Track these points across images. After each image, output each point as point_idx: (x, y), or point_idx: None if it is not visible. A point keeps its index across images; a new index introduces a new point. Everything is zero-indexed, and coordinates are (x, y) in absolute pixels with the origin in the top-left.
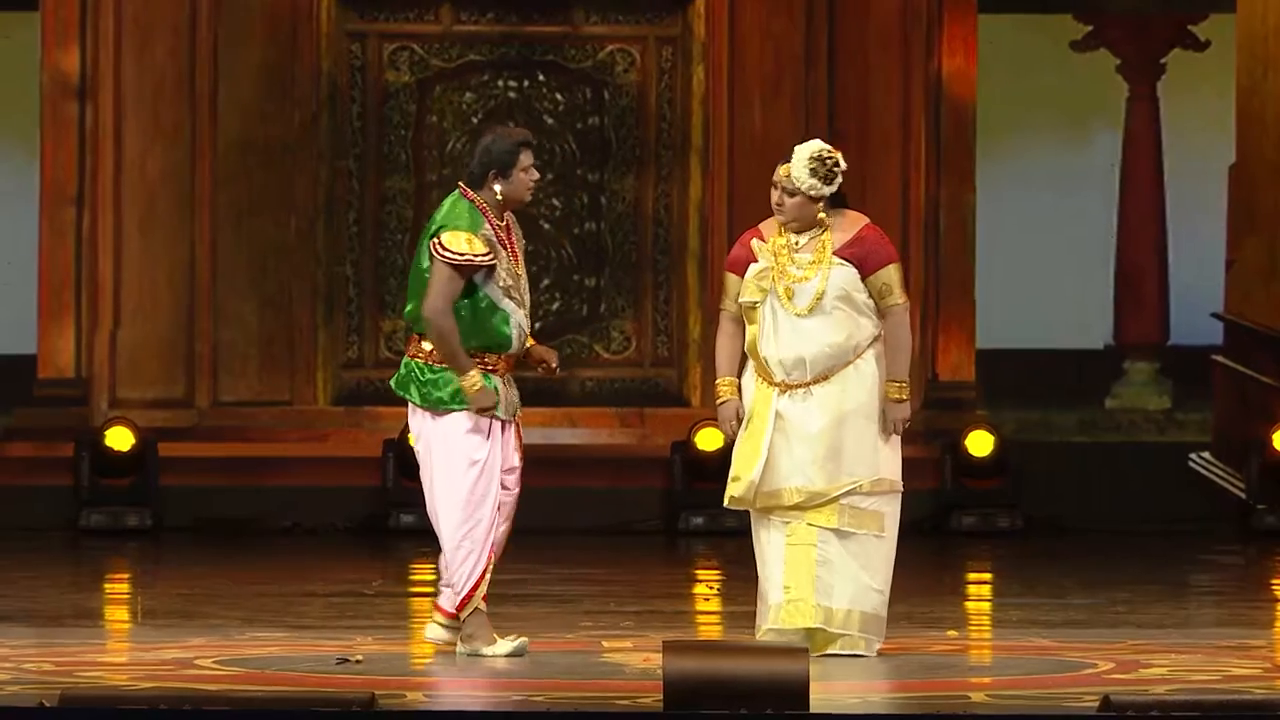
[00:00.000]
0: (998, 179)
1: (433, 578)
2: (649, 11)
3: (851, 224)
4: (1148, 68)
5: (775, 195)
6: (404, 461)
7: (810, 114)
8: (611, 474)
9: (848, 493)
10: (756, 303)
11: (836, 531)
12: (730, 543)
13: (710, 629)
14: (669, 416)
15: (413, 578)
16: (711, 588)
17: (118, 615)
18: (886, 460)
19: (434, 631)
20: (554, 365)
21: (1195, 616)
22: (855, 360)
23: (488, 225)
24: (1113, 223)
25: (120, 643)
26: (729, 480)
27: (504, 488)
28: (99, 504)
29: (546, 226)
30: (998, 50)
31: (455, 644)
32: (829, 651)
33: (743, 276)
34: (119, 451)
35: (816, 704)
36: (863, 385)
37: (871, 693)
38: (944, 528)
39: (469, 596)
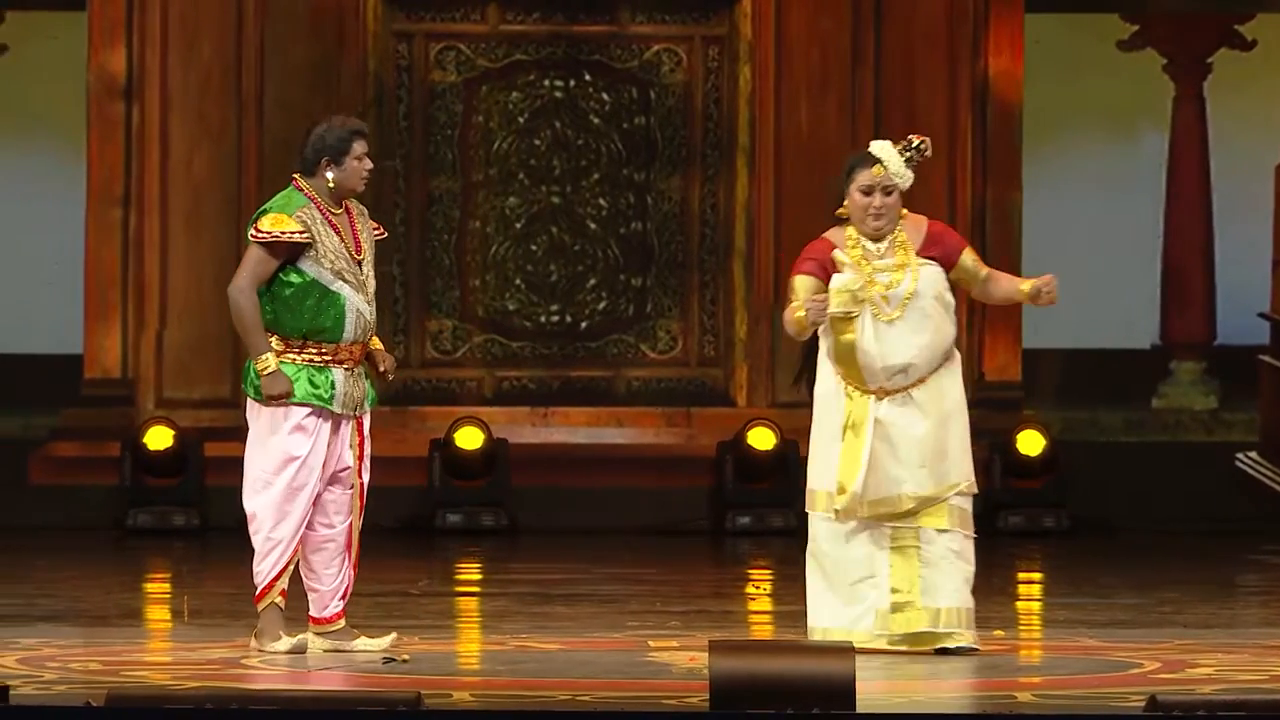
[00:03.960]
0: (1044, 179)
1: (479, 577)
2: (695, 11)
3: (915, 223)
4: (1194, 67)
5: (875, 200)
6: (451, 462)
7: (856, 114)
8: (658, 474)
9: (956, 493)
10: (854, 314)
11: (942, 532)
12: (777, 542)
13: (758, 629)
14: (715, 416)
15: (459, 577)
16: (759, 587)
17: (163, 615)
18: (971, 461)
19: (312, 643)
20: (384, 370)
21: (1242, 616)
22: (945, 362)
23: (314, 209)
24: (1159, 222)
25: (166, 642)
26: (832, 491)
27: (338, 484)
28: (146, 504)
29: (593, 226)
30: (1044, 50)
31: (334, 649)
32: (940, 646)
33: (820, 279)
34: (158, 451)
35: (863, 704)
36: (955, 385)
37: (917, 692)
38: (990, 527)
39: (266, 590)
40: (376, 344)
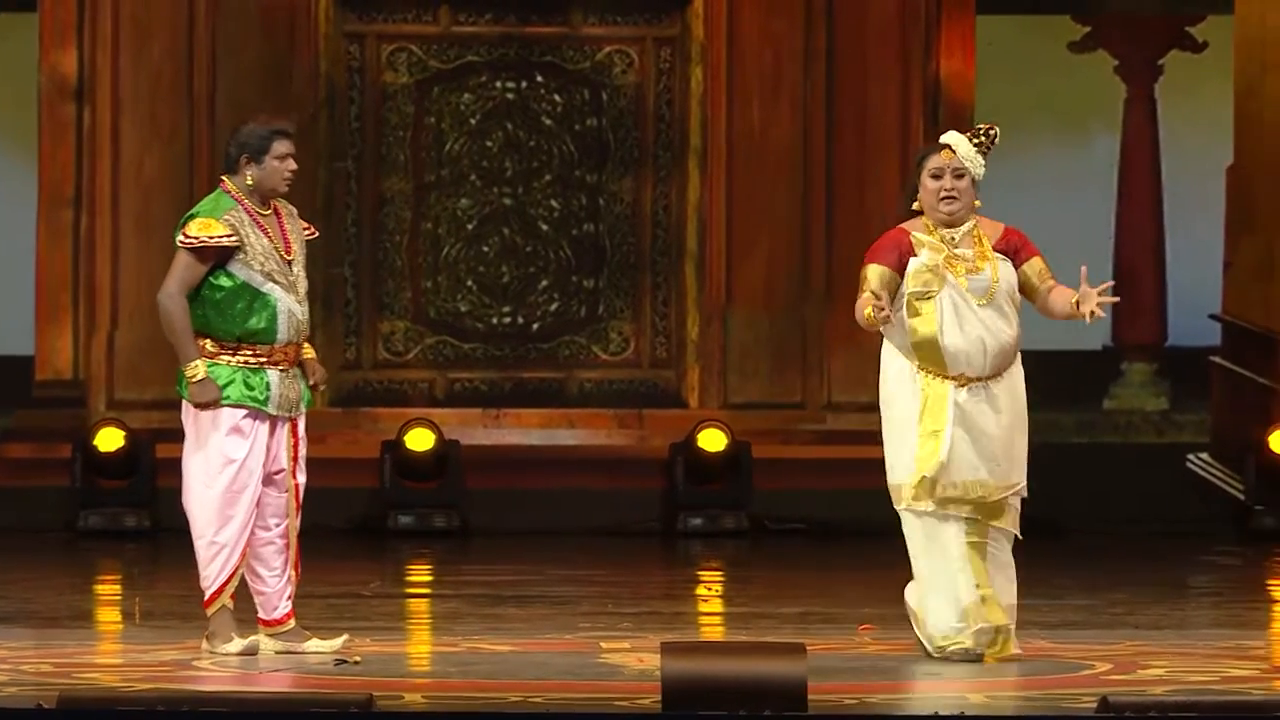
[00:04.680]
0: (995, 180)
1: (431, 579)
2: (647, 12)
3: (992, 226)
4: (1146, 69)
5: (945, 182)
6: (402, 463)
7: (809, 115)
8: (609, 475)
9: (1014, 493)
10: (933, 292)
11: (1003, 531)
12: (728, 543)
13: (709, 630)
14: (667, 418)
15: (410, 579)
16: (710, 589)
17: (115, 617)
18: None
19: (264, 645)
20: (314, 382)
21: (1193, 618)
22: (1015, 359)
23: (241, 211)
24: (1110, 224)
25: (117, 644)
26: (906, 478)
27: (273, 487)
28: (97, 505)
29: (545, 228)
30: (996, 51)
31: (285, 650)
32: (1005, 654)
33: (892, 268)
34: (109, 452)
35: (815, 705)
36: (1021, 386)
37: (869, 694)
38: None
39: (216, 594)
40: (309, 353)
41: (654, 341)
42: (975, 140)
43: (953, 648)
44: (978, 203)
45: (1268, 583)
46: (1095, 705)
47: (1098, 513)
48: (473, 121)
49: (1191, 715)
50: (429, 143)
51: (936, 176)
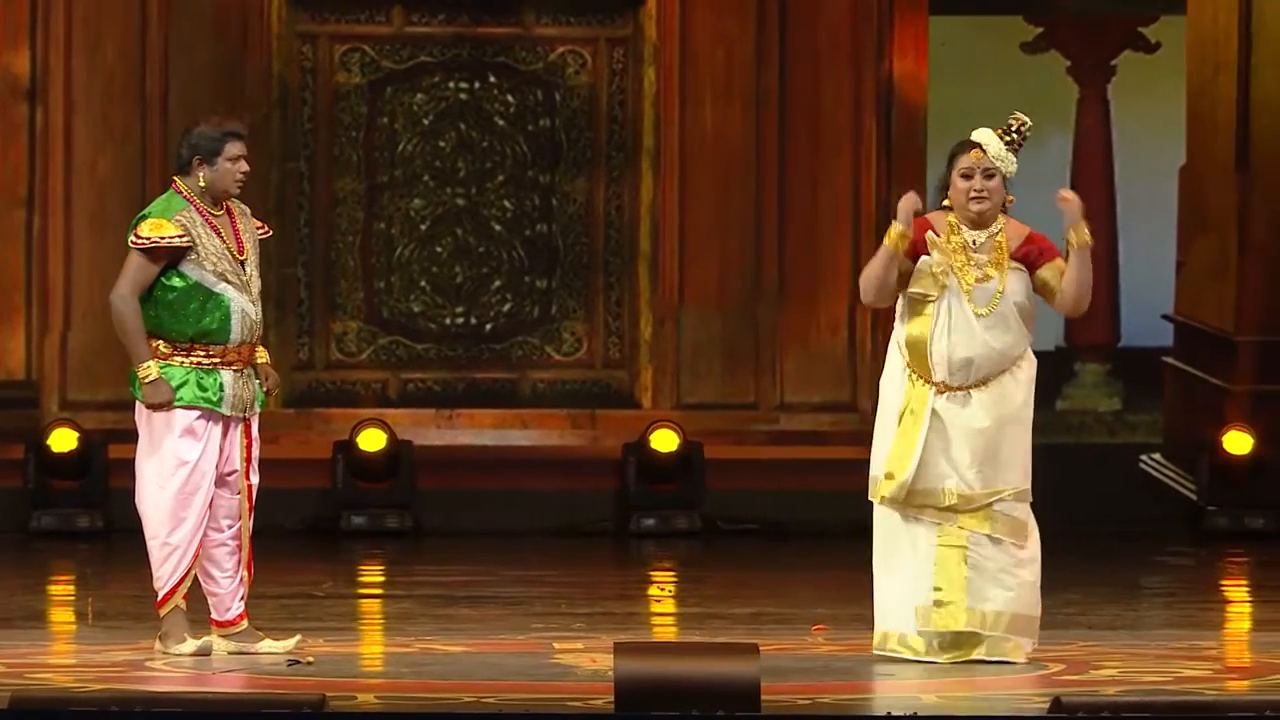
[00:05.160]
0: None
1: (383, 579)
2: (600, 13)
3: (1018, 229)
4: (1098, 70)
5: (975, 183)
6: (354, 464)
7: (761, 115)
8: (563, 475)
9: (1000, 499)
10: (931, 297)
11: (988, 536)
12: (681, 544)
13: (661, 630)
14: (620, 418)
15: (363, 579)
16: (663, 589)
17: (68, 617)
18: (1029, 470)
19: (217, 645)
20: (267, 389)
21: (1146, 618)
22: (1011, 368)
23: (193, 212)
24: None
25: (70, 644)
26: (881, 477)
27: (225, 488)
28: (49, 506)
29: (498, 228)
30: (948, 52)
31: (238, 651)
32: (974, 657)
33: (907, 253)
34: (62, 453)
35: (767, 706)
36: (1018, 391)
37: (822, 694)
38: None
39: (169, 595)
40: (263, 357)
41: (607, 342)
42: (1006, 138)
43: (894, 648)
44: (1010, 199)
45: (1220, 583)
46: (1048, 706)
47: (1050, 513)
48: (425, 122)
49: (1144, 716)
50: (382, 143)
51: (967, 176)
